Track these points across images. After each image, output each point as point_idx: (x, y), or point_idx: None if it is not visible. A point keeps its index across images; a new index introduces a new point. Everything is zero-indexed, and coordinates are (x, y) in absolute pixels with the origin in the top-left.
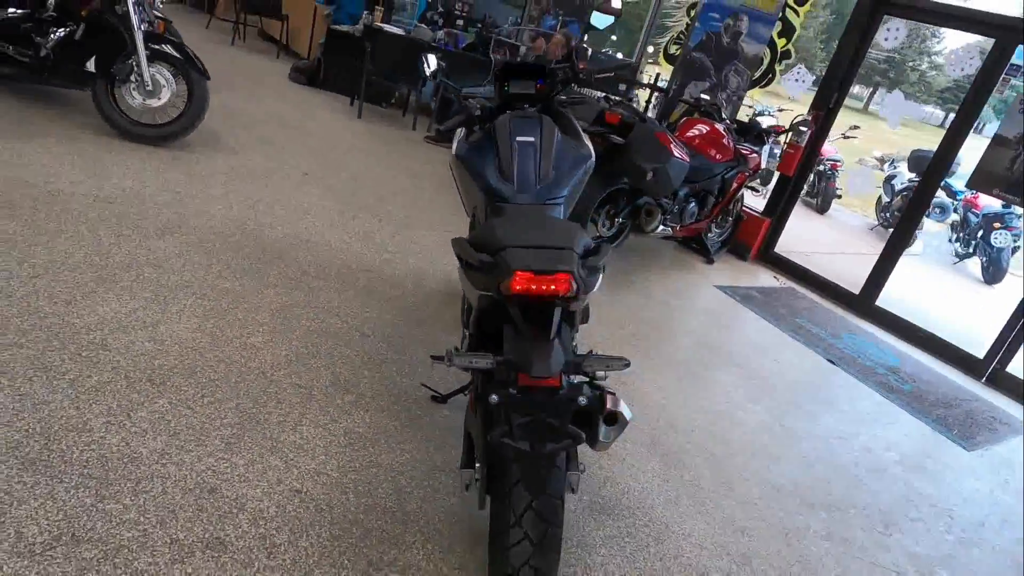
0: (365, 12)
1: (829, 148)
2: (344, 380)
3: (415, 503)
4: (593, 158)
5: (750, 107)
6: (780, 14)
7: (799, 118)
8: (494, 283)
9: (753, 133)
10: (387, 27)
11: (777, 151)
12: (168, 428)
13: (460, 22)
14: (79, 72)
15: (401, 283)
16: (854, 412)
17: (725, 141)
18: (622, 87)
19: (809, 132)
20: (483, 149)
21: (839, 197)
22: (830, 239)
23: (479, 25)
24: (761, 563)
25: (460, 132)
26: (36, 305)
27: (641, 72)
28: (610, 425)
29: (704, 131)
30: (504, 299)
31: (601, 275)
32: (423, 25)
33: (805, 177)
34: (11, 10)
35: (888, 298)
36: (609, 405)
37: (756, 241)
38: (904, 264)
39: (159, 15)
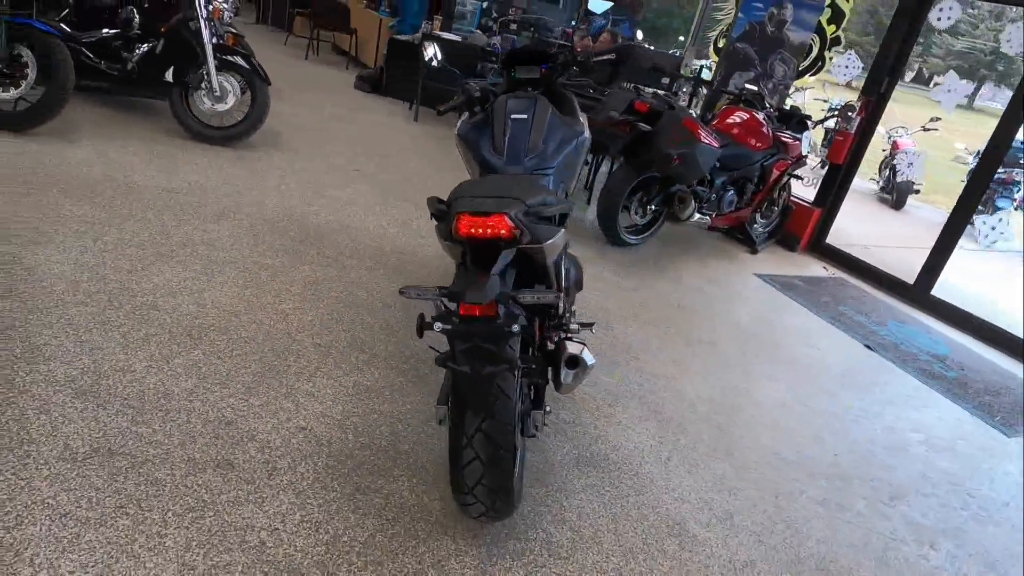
0: (425, 22)
1: (907, 141)
2: (361, 342)
3: (408, 445)
4: (585, 134)
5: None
6: (828, 0)
7: (839, 105)
8: (447, 230)
9: (794, 120)
10: (444, 34)
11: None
12: (199, 373)
13: (514, 27)
14: (159, 82)
15: (430, 263)
16: (884, 395)
17: (764, 129)
18: (665, 80)
19: (859, 119)
20: (481, 127)
21: (917, 192)
22: (902, 234)
23: (532, 29)
24: (743, 520)
25: (465, 115)
26: (103, 273)
27: (686, 65)
28: (571, 368)
29: (742, 119)
30: (457, 243)
31: (562, 229)
32: (478, 31)
33: (857, 165)
34: (106, 31)
35: (948, 287)
36: (570, 349)
37: (806, 232)
38: (972, 253)
39: (233, 30)
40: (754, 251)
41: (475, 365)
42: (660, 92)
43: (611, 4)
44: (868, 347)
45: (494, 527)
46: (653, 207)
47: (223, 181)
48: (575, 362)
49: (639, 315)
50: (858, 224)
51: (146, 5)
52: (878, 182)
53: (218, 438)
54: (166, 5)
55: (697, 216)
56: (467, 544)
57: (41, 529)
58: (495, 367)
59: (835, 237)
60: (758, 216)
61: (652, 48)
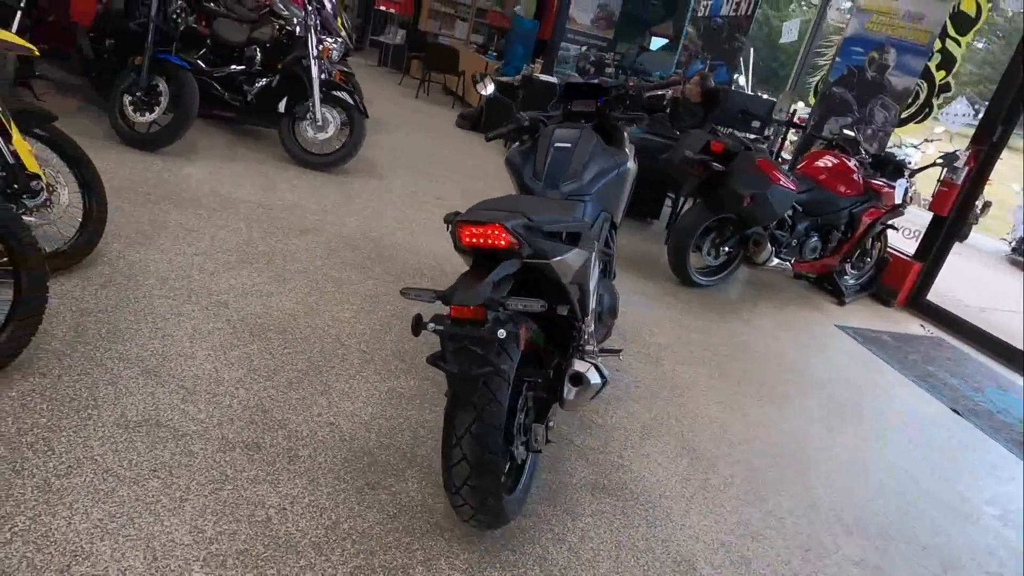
0: (527, 65)
1: None
2: (403, 352)
3: (425, 450)
4: (627, 165)
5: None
6: (939, 46)
7: (944, 154)
8: (455, 241)
9: (890, 167)
10: (542, 76)
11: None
12: (250, 364)
13: (610, 70)
14: (272, 112)
15: None
16: (963, 462)
17: (853, 175)
18: (755, 123)
19: (967, 170)
20: (527, 154)
21: None
22: None
23: (627, 72)
24: (761, 567)
25: (517, 143)
26: (188, 273)
27: (780, 110)
28: (574, 385)
29: (829, 164)
30: (463, 253)
31: (575, 248)
32: (575, 74)
33: (963, 218)
34: (233, 67)
35: None
36: (576, 366)
37: (904, 287)
38: None
39: (345, 68)
40: (841, 302)
41: (463, 366)
42: (746, 135)
43: (667, 41)
44: (956, 411)
45: (491, 536)
46: (727, 249)
47: (313, 201)
48: (578, 380)
49: (695, 353)
50: (976, 285)
51: (267, 45)
52: (1010, 243)
53: (252, 423)
54: (284, 45)
55: (776, 261)
56: (460, 547)
57: (84, 480)
58: (480, 369)
59: (943, 296)
60: (848, 266)
61: (747, 92)
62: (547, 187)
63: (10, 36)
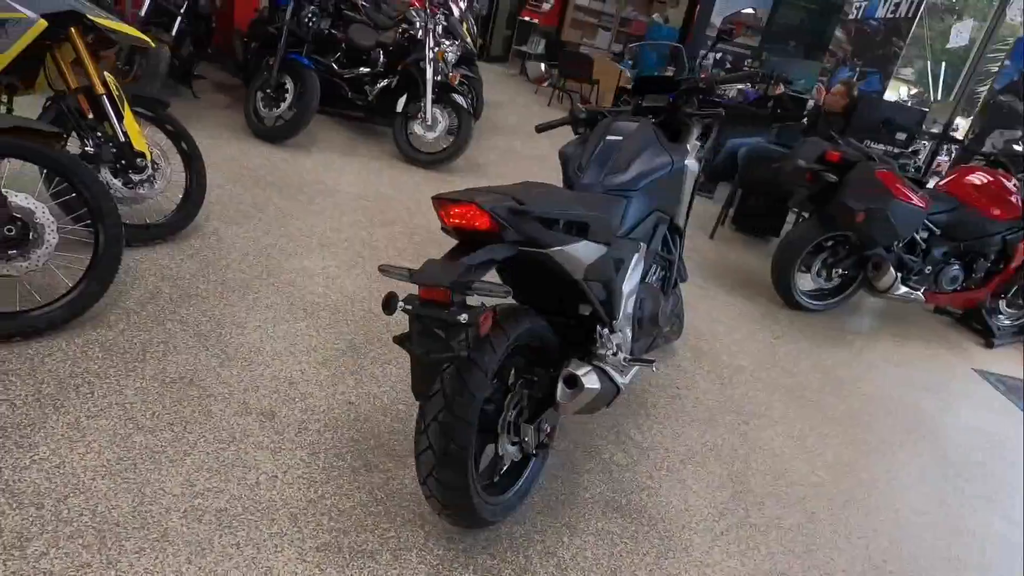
0: (658, 72)
1: None
2: None
3: None
4: (682, 163)
5: None
6: None
7: None
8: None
9: None
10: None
11: None
12: (293, 339)
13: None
14: (390, 111)
15: None
16: None
17: (1012, 197)
18: (900, 135)
19: None
20: (579, 147)
21: None
22: None
23: (771, 80)
24: None
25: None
26: (269, 252)
27: (935, 120)
28: (568, 387)
29: (982, 182)
30: (448, 233)
31: (584, 240)
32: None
33: None
34: (362, 69)
35: None
36: (572, 367)
37: None
38: None
39: (467, 72)
40: (989, 344)
41: (424, 349)
42: (888, 148)
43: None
44: None
45: (474, 537)
46: (841, 271)
47: (408, 196)
48: (573, 382)
49: (777, 380)
50: None
51: (391, 48)
52: None
53: (276, 392)
54: (405, 48)
55: (903, 290)
56: (437, 543)
57: (109, 423)
58: (441, 354)
59: None
60: (1003, 303)
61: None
62: (587, 180)
63: (128, 28)
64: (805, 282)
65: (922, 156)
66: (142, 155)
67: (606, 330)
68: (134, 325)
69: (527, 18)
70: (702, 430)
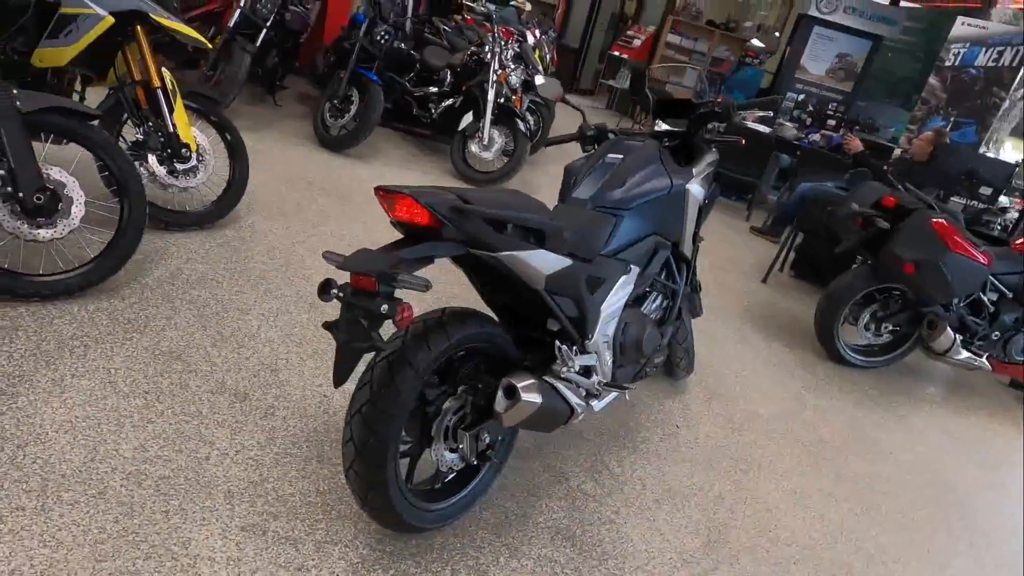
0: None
1: None
2: None
3: None
4: (684, 186)
5: None
6: None
7: None
8: None
9: None
10: (752, 124)
11: None
12: (288, 330)
13: (831, 123)
14: (452, 129)
15: None
16: None
17: None
18: (984, 190)
19: None
20: (582, 163)
21: None
22: None
23: (857, 126)
24: None
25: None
26: (296, 249)
27: None
28: (507, 397)
29: None
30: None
31: (540, 249)
32: (789, 124)
33: None
34: (431, 88)
35: None
36: (513, 378)
37: None
38: None
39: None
40: None
41: (347, 337)
42: (970, 202)
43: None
44: None
45: (404, 542)
46: (892, 326)
47: None
48: (511, 392)
49: (794, 433)
50: None
51: (459, 69)
52: None
53: (255, 376)
54: (473, 71)
55: (964, 354)
56: (364, 543)
57: (90, 383)
58: (360, 344)
59: None
60: None
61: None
62: (577, 196)
63: (187, 29)
64: (853, 335)
65: (1012, 214)
66: (187, 146)
67: (564, 346)
68: (145, 300)
69: (617, 53)
70: (691, 471)
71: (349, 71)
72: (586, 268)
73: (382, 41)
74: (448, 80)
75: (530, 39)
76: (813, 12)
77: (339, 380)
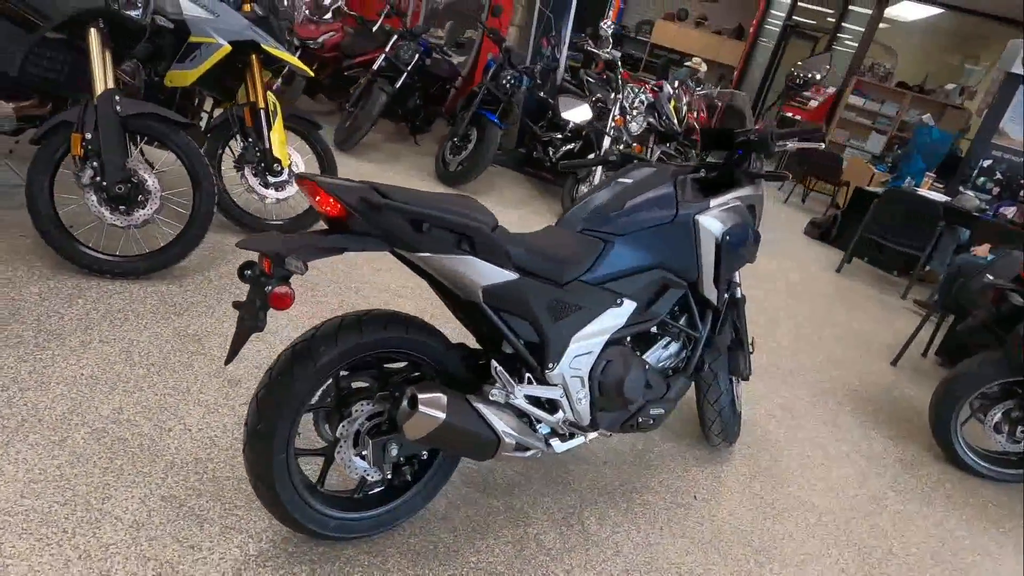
0: (908, 178)
1: None
2: None
3: None
4: (677, 216)
5: None
6: None
7: None
8: None
9: None
10: (925, 192)
11: None
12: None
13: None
14: (567, 173)
15: None
16: None
17: None
18: None
19: None
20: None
21: None
22: None
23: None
24: None
25: None
26: (363, 265)
27: None
28: (409, 407)
29: None
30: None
31: (472, 256)
32: (971, 193)
33: None
34: (557, 133)
35: None
36: (419, 388)
37: None
38: None
39: (670, 151)
40: None
41: (242, 315)
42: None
43: None
44: None
45: (310, 548)
46: None
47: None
48: (412, 403)
49: (853, 535)
50: None
51: None
52: None
53: (257, 367)
54: (596, 116)
55: None
56: (268, 538)
57: (111, 349)
58: (252, 321)
59: None
60: None
61: None
62: (570, 215)
63: (293, 59)
64: (981, 437)
65: None
66: (278, 162)
67: (501, 367)
68: (198, 289)
69: (789, 114)
70: (687, 549)
71: (471, 112)
72: (550, 291)
73: (507, 86)
74: (571, 125)
75: (666, 90)
76: (1018, 70)
77: (229, 357)
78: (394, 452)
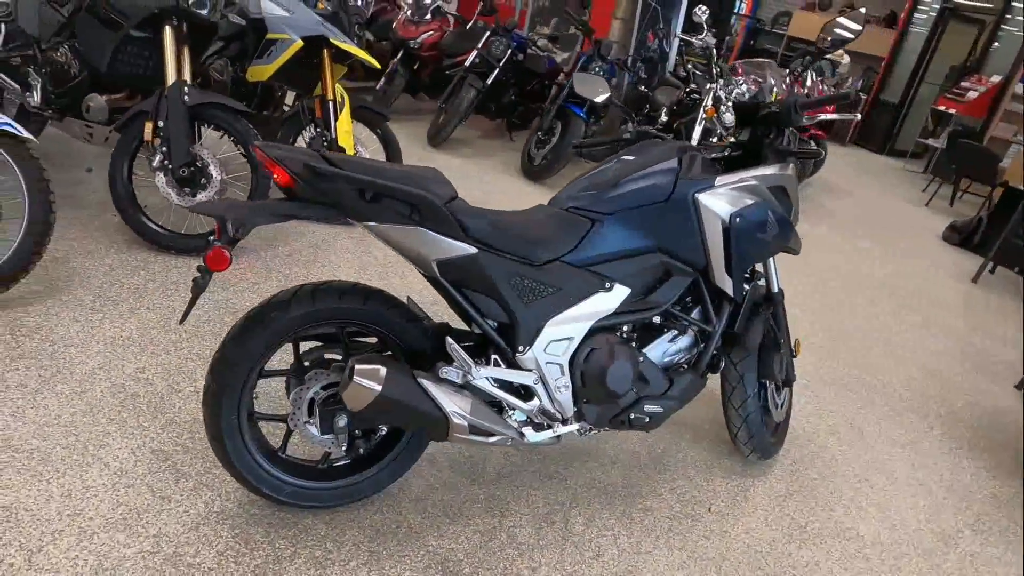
0: None
1: None
2: None
3: None
4: (673, 194)
5: None
6: None
7: None
8: None
9: None
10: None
11: None
12: None
13: None
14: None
15: None
16: None
17: None
18: None
19: None
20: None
21: None
22: None
23: None
24: None
25: None
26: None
27: None
28: (349, 377)
29: None
30: None
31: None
32: None
33: None
34: (652, 126)
35: None
36: (359, 360)
37: None
38: None
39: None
40: None
41: (195, 277)
42: None
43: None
44: None
45: (273, 513)
46: None
47: None
48: (351, 374)
49: (900, 571)
50: None
51: (675, 107)
52: None
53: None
54: (688, 108)
55: None
56: (236, 499)
57: (156, 317)
58: (199, 283)
59: None
60: None
61: None
62: (562, 195)
63: (362, 53)
64: None
65: None
66: (343, 150)
67: (457, 345)
68: (254, 268)
69: (943, 107)
70: (680, 565)
71: (556, 105)
72: (520, 269)
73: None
74: (662, 116)
75: (769, 81)
76: None
77: (182, 318)
78: (342, 423)
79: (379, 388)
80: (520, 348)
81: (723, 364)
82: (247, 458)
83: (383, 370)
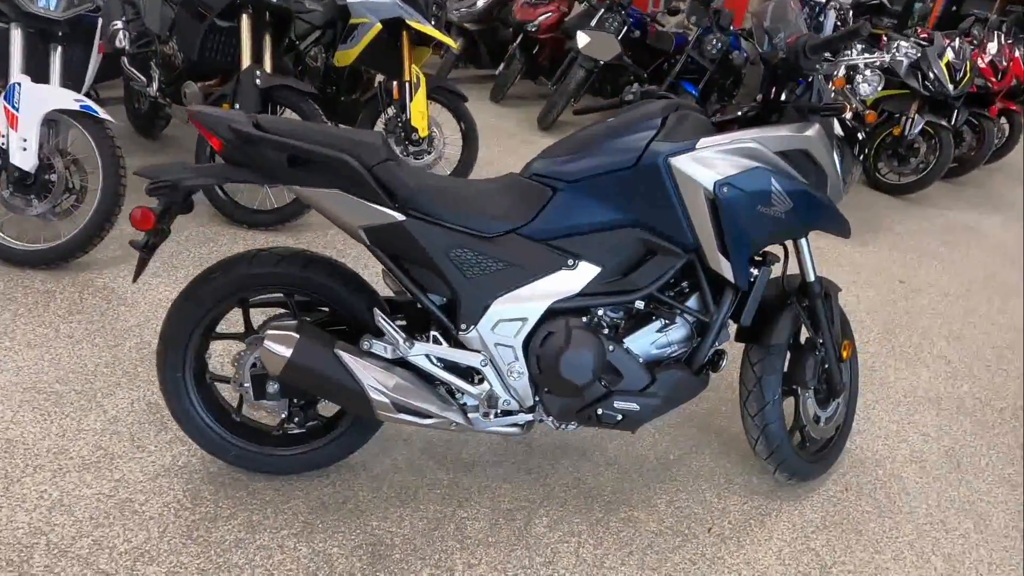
0: None
1: None
2: None
3: None
4: (641, 159)
5: None
6: None
7: None
8: None
9: None
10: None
11: None
12: None
13: None
14: None
15: None
16: None
17: None
18: None
19: None
20: None
21: None
22: None
23: None
24: None
25: None
26: None
27: None
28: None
29: None
30: None
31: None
32: None
33: None
34: None
35: None
36: (274, 324)
37: None
38: None
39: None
40: None
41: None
42: None
43: None
44: None
45: (229, 475)
46: None
47: None
48: (260, 339)
49: None
50: None
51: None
52: None
53: None
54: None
55: None
56: (200, 457)
57: None
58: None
59: None
60: None
61: None
62: (533, 162)
63: (437, 33)
64: None
65: None
66: (416, 131)
67: (383, 317)
68: (308, 243)
69: None
70: (657, 565)
71: (668, 82)
72: (463, 240)
73: (714, 52)
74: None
75: (938, 42)
76: None
77: (134, 277)
78: (271, 389)
79: (288, 354)
80: (463, 326)
81: (724, 362)
82: (194, 417)
83: (295, 337)
